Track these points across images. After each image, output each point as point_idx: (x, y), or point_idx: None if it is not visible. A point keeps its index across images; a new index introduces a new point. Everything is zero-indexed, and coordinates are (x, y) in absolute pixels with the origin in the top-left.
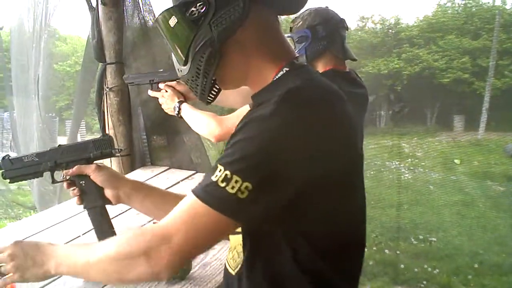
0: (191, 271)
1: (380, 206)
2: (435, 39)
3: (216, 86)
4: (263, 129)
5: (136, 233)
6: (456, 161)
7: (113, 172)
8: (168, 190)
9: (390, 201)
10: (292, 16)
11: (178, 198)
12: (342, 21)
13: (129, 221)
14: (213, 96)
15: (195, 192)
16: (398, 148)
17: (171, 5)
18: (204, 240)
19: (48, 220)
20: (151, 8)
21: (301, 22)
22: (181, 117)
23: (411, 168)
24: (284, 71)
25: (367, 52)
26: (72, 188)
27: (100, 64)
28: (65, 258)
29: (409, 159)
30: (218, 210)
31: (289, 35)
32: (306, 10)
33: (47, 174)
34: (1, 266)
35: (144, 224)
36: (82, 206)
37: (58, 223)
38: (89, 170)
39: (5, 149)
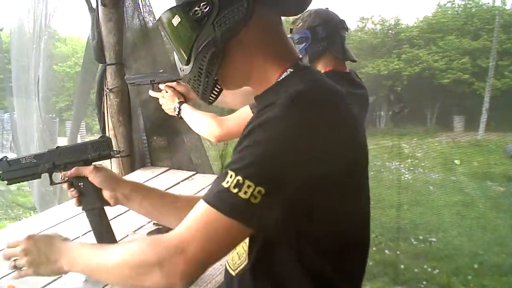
0: None
1: (380, 206)
2: (435, 40)
3: (217, 86)
4: (272, 132)
5: (150, 243)
6: (456, 161)
7: (111, 173)
8: (168, 191)
9: (390, 202)
10: (292, 17)
11: (176, 199)
12: (342, 22)
13: (128, 222)
14: (214, 96)
15: (207, 199)
16: (398, 148)
17: (174, 4)
18: (218, 248)
19: (48, 220)
20: (151, 9)
21: (301, 23)
22: (181, 117)
23: (411, 168)
24: (288, 72)
25: (367, 52)
26: (70, 190)
27: (100, 65)
28: (79, 258)
29: (409, 160)
30: (231, 217)
31: (290, 36)
32: (306, 12)
33: (45, 176)
34: (16, 259)
35: (144, 226)
36: (80, 207)
37: (58, 223)
38: (87, 171)
39: (5, 150)
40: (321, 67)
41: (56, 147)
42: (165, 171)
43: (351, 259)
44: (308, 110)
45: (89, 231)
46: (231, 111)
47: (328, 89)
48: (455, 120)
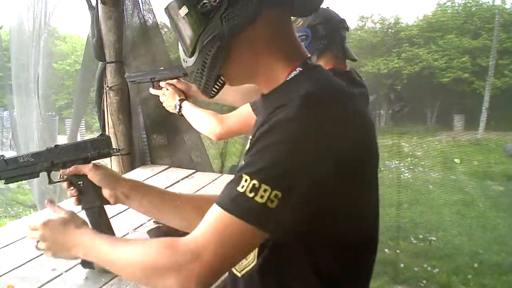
0: None
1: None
2: (434, 39)
3: (220, 80)
4: (286, 134)
5: (166, 246)
6: (456, 160)
7: (111, 171)
8: (167, 189)
9: (390, 200)
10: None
11: (176, 197)
12: (343, 21)
13: (128, 220)
14: (216, 91)
15: (221, 204)
16: (398, 147)
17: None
18: (234, 254)
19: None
20: (150, 7)
21: (301, 22)
22: (182, 115)
23: (411, 167)
24: (297, 71)
25: (366, 51)
26: (70, 188)
27: (100, 63)
28: (91, 250)
29: (409, 159)
30: (248, 222)
31: None
32: None
33: (44, 174)
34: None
35: (144, 224)
36: (80, 206)
37: None
38: (86, 169)
39: (4, 148)
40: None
41: (55, 146)
42: (165, 169)
43: (360, 259)
44: (319, 110)
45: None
46: (231, 109)
47: (338, 89)
48: (455, 119)
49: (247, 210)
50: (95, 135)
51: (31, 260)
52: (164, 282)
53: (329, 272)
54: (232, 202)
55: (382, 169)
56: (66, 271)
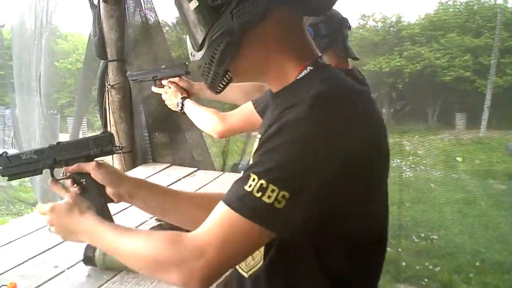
0: None
1: None
2: (436, 37)
3: (227, 76)
4: (296, 134)
5: (171, 241)
6: (458, 159)
7: (114, 169)
8: (170, 187)
9: (392, 199)
10: None
11: (180, 196)
12: (345, 20)
13: (130, 218)
14: (222, 86)
15: (228, 202)
16: (400, 146)
17: None
18: (239, 252)
19: None
20: (152, 5)
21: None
22: (184, 113)
23: (413, 166)
24: (308, 70)
25: (368, 50)
26: (73, 186)
27: (102, 61)
28: (96, 238)
29: (411, 157)
30: (254, 221)
31: None
32: None
33: (46, 172)
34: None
35: (146, 221)
36: None
37: None
38: (89, 168)
39: (6, 146)
40: None
41: (57, 143)
42: (166, 167)
43: (369, 258)
44: (329, 110)
45: None
46: (233, 107)
47: (349, 88)
48: (457, 118)
49: (254, 209)
50: (97, 133)
51: (33, 257)
52: (166, 276)
53: (338, 272)
54: (239, 200)
55: None
56: (68, 268)
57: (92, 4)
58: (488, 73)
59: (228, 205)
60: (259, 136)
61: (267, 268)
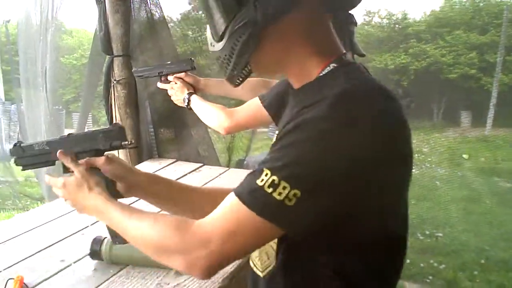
0: None
1: None
2: (442, 34)
3: (247, 68)
4: (316, 133)
5: (175, 227)
6: (465, 156)
7: (125, 164)
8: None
9: None
10: None
11: (192, 190)
12: (350, 16)
13: None
14: (242, 79)
15: (238, 194)
16: None
17: None
18: (244, 246)
19: (56, 211)
20: (157, 1)
21: None
22: (190, 108)
23: (418, 163)
24: (331, 67)
25: (373, 46)
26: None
27: (107, 56)
28: (104, 216)
29: (416, 155)
30: (263, 216)
31: None
32: None
33: (49, 168)
34: None
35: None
36: None
37: (65, 214)
38: (99, 163)
39: (12, 141)
40: None
41: (68, 134)
42: (172, 163)
43: (383, 260)
44: (350, 111)
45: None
46: (238, 103)
47: (374, 88)
48: (462, 115)
49: (264, 204)
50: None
51: (40, 251)
52: (170, 262)
53: (351, 272)
54: (250, 194)
55: None
56: (74, 262)
57: (98, 0)
58: (494, 70)
59: (238, 197)
60: (277, 132)
61: (281, 268)
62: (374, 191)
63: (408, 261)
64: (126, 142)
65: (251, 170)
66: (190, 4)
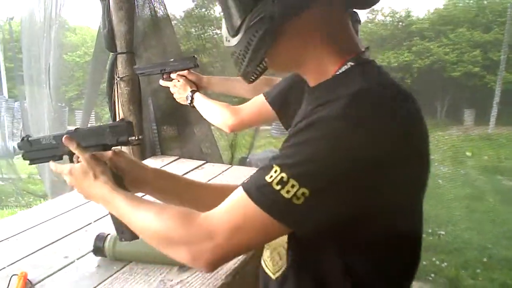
0: None
1: None
2: (445, 32)
3: (262, 65)
4: (329, 132)
5: (180, 217)
6: (468, 153)
7: (131, 158)
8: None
9: None
10: None
11: (200, 185)
12: (355, 14)
13: None
14: (256, 75)
15: (246, 189)
16: None
17: None
18: (249, 242)
19: (59, 208)
20: None
21: None
22: (193, 106)
23: None
24: (349, 66)
25: (377, 44)
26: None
27: (111, 53)
28: (109, 205)
29: None
30: (269, 213)
31: None
32: None
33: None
34: None
35: None
36: None
37: (68, 211)
38: (106, 156)
39: (15, 139)
40: None
41: (75, 129)
42: (175, 160)
43: (395, 261)
44: (366, 111)
45: (100, 218)
46: (241, 100)
47: (392, 89)
48: (465, 114)
49: (271, 201)
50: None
51: (43, 247)
52: (175, 253)
53: (362, 272)
54: (257, 190)
55: None
56: (78, 259)
57: None
58: (497, 68)
59: (246, 191)
60: (289, 130)
61: (292, 268)
62: (387, 192)
63: None
64: (133, 138)
65: (253, 167)
66: (193, 1)
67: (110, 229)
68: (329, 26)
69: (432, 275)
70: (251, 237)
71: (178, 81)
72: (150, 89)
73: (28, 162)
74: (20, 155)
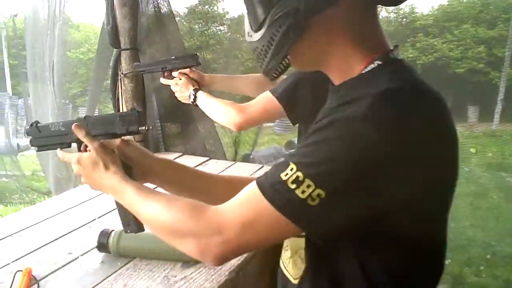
0: None
1: None
2: (450, 28)
3: (285, 61)
4: (351, 133)
5: (190, 209)
6: (472, 150)
7: (140, 147)
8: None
9: None
10: None
11: (210, 176)
12: None
13: None
14: (279, 72)
15: (260, 185)
16: None
17: None
18: (259, 239)
19: (63, 204)
20: None
21: None
22: (196, 105)
23: None
24: (375, 65)
25: None
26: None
27: (115, 50)
28: (119, 196)
29: None
30: (282, 212)
31: None
32: None
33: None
34: None
35: None
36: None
37: (72, 207)
38: (115, 144)
39: (19, 136)
40: None
41: (84, 117)
42: (178, 157)
43: (413, 265)
44: (391, 113)
45: (104, 214)
46: (243, 98)
47: (420, 91)
48: (470, 110)
49: (285, 200)
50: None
51: (47, 244)
52: (183, 245)
53: (379, 274)
54: (272, 187)
55: None
56: (82, 255)
57: None
58: (502, 65)
59: (260, 187)
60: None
61: (310, 268)
62: (403, 195)
63: None
64: (144, 127)
65: (257, 164)
66: None
67: (114, 225)
68: (356, 23)
69: None
70: (261, 235)
71: (180, 79)
72: (153, 86)
73: (36, 149)
74: (24, 152)
